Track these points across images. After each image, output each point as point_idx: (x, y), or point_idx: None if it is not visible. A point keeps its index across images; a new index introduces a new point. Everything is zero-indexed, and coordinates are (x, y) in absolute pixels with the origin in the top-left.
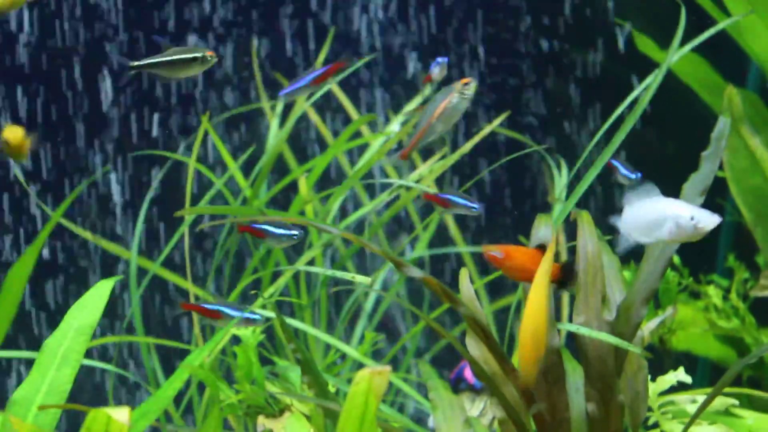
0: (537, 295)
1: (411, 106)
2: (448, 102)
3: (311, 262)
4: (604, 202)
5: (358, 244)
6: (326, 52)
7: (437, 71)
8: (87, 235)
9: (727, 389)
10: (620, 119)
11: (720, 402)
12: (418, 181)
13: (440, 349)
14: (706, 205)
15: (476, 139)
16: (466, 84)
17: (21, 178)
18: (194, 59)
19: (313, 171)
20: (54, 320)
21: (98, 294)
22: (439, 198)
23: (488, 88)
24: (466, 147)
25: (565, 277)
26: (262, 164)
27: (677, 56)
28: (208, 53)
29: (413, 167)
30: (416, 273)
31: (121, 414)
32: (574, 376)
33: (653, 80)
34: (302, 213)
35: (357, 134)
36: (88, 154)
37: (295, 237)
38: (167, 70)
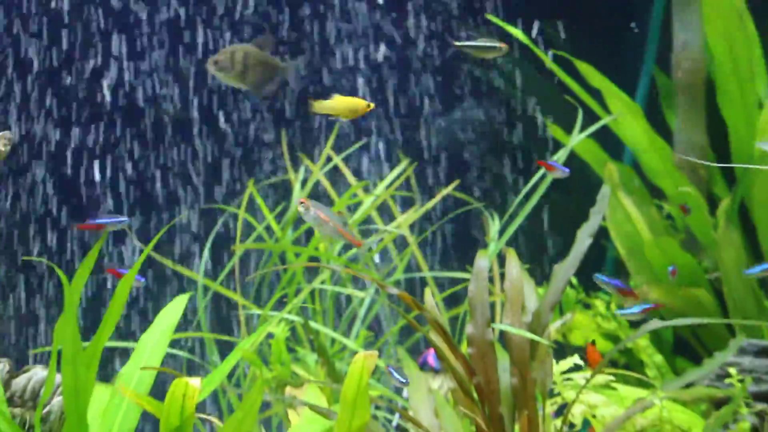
0: None
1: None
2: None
3: (323, 282)
4: (528, 240)
5: (354, 273)
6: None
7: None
8: (168, 262)
9: (608, 370)
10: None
11: (602, 378)
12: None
13: (411, 343)
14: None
15: (438, 198)
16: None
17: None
18: (494, 47)
19: None
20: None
21: (177, 304)
22: (549, 164)
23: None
24: (430, 205)
25: None
26: (287, 217)
27: (577, 140)
28: (501, 45)
29: (393, 218)
30: (394, 291)
31: (195, 381)
32: (502, 360)
33: (560, 156)
34: (317, 248)
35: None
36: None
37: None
38: (478, 51)
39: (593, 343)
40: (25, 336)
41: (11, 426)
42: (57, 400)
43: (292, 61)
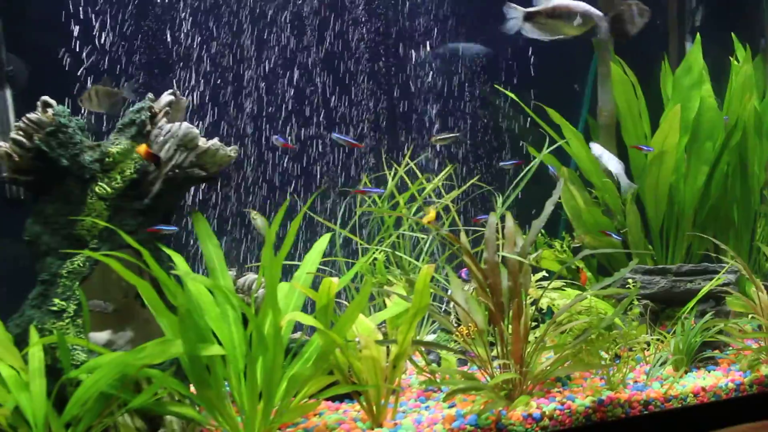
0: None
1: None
2: None
3: (404, 230)
4: (519, 209)
5: (423, 223)
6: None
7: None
8: (321, 219)
9: (562, 281)
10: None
11: (558, 284)
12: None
13: (453, 265)
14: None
15: (464, 187)
16: None
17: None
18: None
19: (405, 195)
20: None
21: (324, 239)
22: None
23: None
24: (460, 190)
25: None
26: (384, 195)
27: (543, 154)
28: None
29: (442, 195)
30: (444, 233)
31: (335, 279)
32: (503, 272)
33: (533, 165)
34: (401, 213)
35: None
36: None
37: None
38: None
39: (582, 269)
40: (244, 256)
41: (240, 302)
42: (261, 290)
43: (124, 88)
